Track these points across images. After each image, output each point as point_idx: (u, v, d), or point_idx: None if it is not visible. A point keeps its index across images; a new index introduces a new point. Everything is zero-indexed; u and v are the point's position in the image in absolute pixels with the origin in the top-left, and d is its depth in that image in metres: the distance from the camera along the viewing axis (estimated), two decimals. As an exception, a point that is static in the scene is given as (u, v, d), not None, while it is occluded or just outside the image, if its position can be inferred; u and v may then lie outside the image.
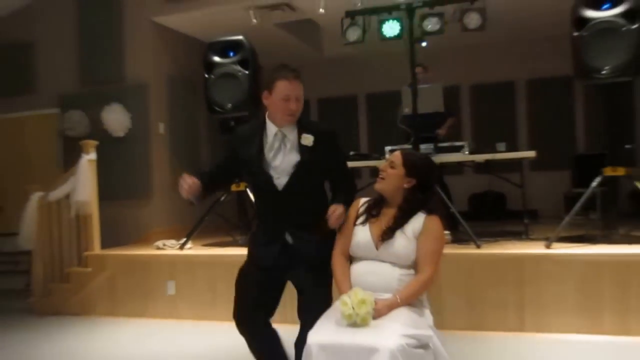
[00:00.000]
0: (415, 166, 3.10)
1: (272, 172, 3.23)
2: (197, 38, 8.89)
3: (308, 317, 3.12)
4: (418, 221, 3.01)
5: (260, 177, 3.27)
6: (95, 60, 8.44)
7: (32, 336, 5.89)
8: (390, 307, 2.84)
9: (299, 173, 3.21)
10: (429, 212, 3.05)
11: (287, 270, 3.31)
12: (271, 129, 3.26)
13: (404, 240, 2.96)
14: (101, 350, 5.30)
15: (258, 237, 3.45)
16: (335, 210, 3.13)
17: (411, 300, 2.91)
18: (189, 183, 3.17)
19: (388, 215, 3.07)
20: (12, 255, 8.65)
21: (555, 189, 9.31)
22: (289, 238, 3.26)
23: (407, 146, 6.04)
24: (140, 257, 6.59)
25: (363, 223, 3.13)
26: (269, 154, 3.25)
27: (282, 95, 3.16)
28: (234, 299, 3.41)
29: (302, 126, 3.27)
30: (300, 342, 3.08)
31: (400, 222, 3.00)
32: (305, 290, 3.34)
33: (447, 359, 2.91)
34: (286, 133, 3.25)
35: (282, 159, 3.23)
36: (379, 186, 3.12)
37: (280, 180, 3.22)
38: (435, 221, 3.02)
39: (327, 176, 3.38)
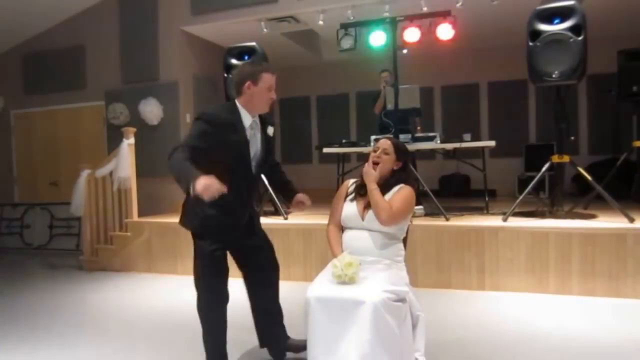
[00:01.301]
0: (402, 151, 3.21)
1: (252, 158, 3.09)
2: (217, 44, 8.83)
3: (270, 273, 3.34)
4: (394, 190, 3.08)
5: (245, 161, 3.04)
6: (134, 61, 8.39)
7: (82, 288, 5.89)
8: (370, 182, 3.03)
9: (263, 159, 3.16)
10: (404, 183, 3.13)
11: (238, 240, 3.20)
12: (246, 118, 3.02)
13: None
14: (140, 300, 5.30)
15: (219, 217, 3.02)
16: (307, 199, 3.35)
17: (376, 200, 2.97)
18: (212, 182, 2.60)
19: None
20: (66, 220, 8.69)
21: (511, 172, 9.32)
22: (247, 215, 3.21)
23: (389, 136, 5.99)
24: (171, 224, 6.57)
25: (352, 199, 3.14)
26: (250, 141, 3.07)
27: (268, 86, 3.00)
28: (206, 283, 3.08)
29: (262, 118, 3.15)
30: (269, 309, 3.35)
31: (381, 193, 3.03)
32: (256, 251, 3.29)
33: (420, 310, 2.95)
34: (257, 123, 3.11)
35: (255, 147, 3.10)
36: (378, 170, 3.09)
37: (253, 165, 3.10)
38: (407, 188, 3.09)
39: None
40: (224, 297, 3.08)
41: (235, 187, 2.91)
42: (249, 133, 3.03)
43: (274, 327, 3.41)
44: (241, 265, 3.32)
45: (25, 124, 9.38)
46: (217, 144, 2.90)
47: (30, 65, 9.15)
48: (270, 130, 3.20)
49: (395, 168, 3.14)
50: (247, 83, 2.98)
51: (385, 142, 3.17)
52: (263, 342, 3.44)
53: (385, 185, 3.08)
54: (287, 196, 3.44)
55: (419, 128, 7.46)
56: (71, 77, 8.84)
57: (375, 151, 3.16)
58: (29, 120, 9.34)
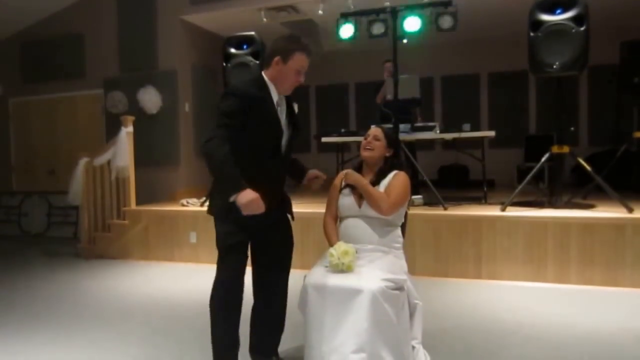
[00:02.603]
0: (393, 139, 3.24)
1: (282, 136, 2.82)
2: (216, 33, 8.79)
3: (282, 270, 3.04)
4: (389, 177, 3.08)
5: (276, 140, 2.78)
6: (133, 50, 8.36)
7: (80, 276, 5.87)
8: (359, 180, 2.99)
9: (292, 137, 2.90)
10: (398, 169, 3.15)
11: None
12: (274, 93, 2.77)
13: None
14: (137, 287, 5.29)
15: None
16: (321, 173, 3.12)
17: (370, 193, 2.95)
18: (256, 199, 2.49)
19: (366, 180, 3.07)
20: (63, 209, 8.69)
21: (510, 163, 9.30)
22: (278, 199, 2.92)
23: (389, 126, 5.97)
24: (169, 212, 6.57)
25: (347, 192, 3.12)
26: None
27: (298, 67, 2.74)
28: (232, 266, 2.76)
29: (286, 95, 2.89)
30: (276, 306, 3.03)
31: (377, 180, 3.06)
32: (276, 243, 2.98)
33: (417, 299, 2.94)
34: (283, 99, 2.85)
35: (284, 124, 2.82)
36: (369, 154, 3.12)
37: (283, 144, 2.84)
38: (402, 174, 3.11)
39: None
40: (239, 290, 2.79)
41: (265, 168, 2.75)
42: (276, 107, 2.78)
43: (265, 337, 3.09)
44: (253, 259, 3.00)
45: (24, 112, 9.35)
46: (249, 122, 2.66)
47: (29, 54, 9.12)
48: (296, 107, 3.02)
49: (387, 155, 3.16)
50: (277, 58, 2.74)
51: (375, 130, 3.19)
52: (250, 349, 3.11)
53: (380, 172, 3.09)
54: (296, 175, 3.13)
55: (419, 118, 7.43)
56: (70, 66, 8.81)
57: (366, 138, 3.17)
58: (27, 108, 9.30)
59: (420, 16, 6.00)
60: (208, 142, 2.55)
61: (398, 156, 3.25)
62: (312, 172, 3.12)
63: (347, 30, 6.32)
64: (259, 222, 2.68)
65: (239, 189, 2.47)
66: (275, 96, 2.76)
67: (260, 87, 2.74)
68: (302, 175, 3.12)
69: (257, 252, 2.97)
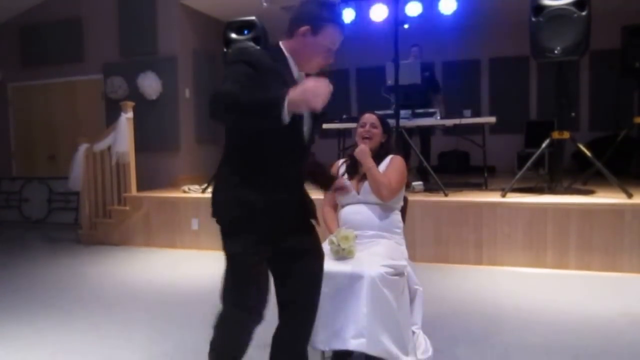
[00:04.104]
0: (387, 124, 3.22)
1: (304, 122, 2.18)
2: (217, 18, 8.76)
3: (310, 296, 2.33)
4: (385, 162, 3.09)
5: (297, 125, 2.09)
6: (132, 34, 8.33)
7: (81, 262, 5.91)
8: (368, 162, 2.94)
9: (315, 126, 2.27)
10: (394, 154, 3.16)
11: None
12: (294, 68, 2.17)
13: None
14: (138, 274, 5.32)
15: (258, 202, 2.07)
16: (349, 184, 2.85)
17: (376, 177, 2.93)
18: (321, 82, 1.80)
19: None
20: (64, 195, 8.71)
21: (510, 149, 9.29)
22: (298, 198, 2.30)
23: (389, 112, 5.96)
24: (170, 199, 6.58)
25: (345, 176, 3.12)
26: None
27: (329, 42, 2.14)
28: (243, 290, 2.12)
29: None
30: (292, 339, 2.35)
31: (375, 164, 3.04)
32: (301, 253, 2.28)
33: (417, 284, 2.96)
34: (303, 77, 2.19)
35: None
36: (370, 145, 3.08)
37: (305, 131, 2.20)
38: (398, 158, 3.12)
39: None
40: (254, 317, 2.13)
41: (282, 161, 2.14)
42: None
43: None
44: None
45: (23, 97, 9.33)
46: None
47: (28, 38, 9.07)
48: None
49: (382, 141, 3.16)
50: (306, 27, 2.11)
51: (371, 117, 3.16)
52: None
53: (376, 158, 3.08)
54: (319, 180, 2.64)
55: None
56: (69, 50, 8.77)
57: (363, 127, 3.14)
58: (26, 93, 9.28)
59: (418, 3, 6.00)
60: (214, 99, 1.85)
61: (390, 140, 3.23)
62: (340, 182, 2.70)
63: (347, 15, 6.30)
64: (271, 229, 2.12)
65: (282, 93, 1.77)
66: (295, 73, 2.18)
67: (275, 58, 2.12)
68: (329, 183, 2.66)
69: (274, 270, 2.28)
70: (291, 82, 2.07)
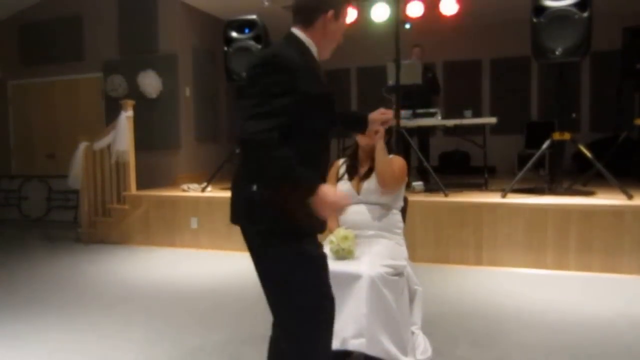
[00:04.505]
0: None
1: None
2: (217, 17, 8.75)
3: None
4: None
5: (330, 123, 2.04)
6: (133, 33, 8.32)
7: (80, 260, 5.90)
8: (381, 137, 2.89)
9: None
10: (394, 154, 3.14)
11: None
12: (317, 61, 2.03)
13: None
14: (138, 272, 5.31)
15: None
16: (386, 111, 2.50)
17: (381, 156, 2.92)
18: (341, 196, 1.84)
19: (363, 167, 3.09)
20: (63, 193, 8.70)
21: (511, 149, 9.30)
22: None
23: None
24: (169, 197, 6.58)
25: (345, 176, 3.12)
26: None
27: (345, 24, 2.04)
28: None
29: None
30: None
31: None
32: None
33: (417, 285, 2.97)
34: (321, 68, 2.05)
35: None
36: (371, 142, 3.05)
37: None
38: (399, 157, 3.10)
39: None
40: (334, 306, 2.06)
41: (319, 162, 1.99)
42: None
43: None
44: None
45: (23, 95, 9.33)
46: (299, 106, 1.82)
47: (28, 36, 9.07)
48: None
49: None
50: (331, 12, 1.95)
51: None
52: None
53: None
54: (351, 125, 2.53)
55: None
56: (69, 48, 8.77)
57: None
58: (26, 91, 9.28)
59: (419, 3, 6.00)
60: (256, 133, 1.72)
61: (390, 142, 3.19)
62: (377, 115, 2.44)
63: (350, 15, 6.29)
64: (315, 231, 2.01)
65: (314, 185, 1.77)
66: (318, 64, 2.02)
67: (301, 52, 1.94)
68: (363, 123, 2.46)
69: None
70: (322, 75, 2.00)
